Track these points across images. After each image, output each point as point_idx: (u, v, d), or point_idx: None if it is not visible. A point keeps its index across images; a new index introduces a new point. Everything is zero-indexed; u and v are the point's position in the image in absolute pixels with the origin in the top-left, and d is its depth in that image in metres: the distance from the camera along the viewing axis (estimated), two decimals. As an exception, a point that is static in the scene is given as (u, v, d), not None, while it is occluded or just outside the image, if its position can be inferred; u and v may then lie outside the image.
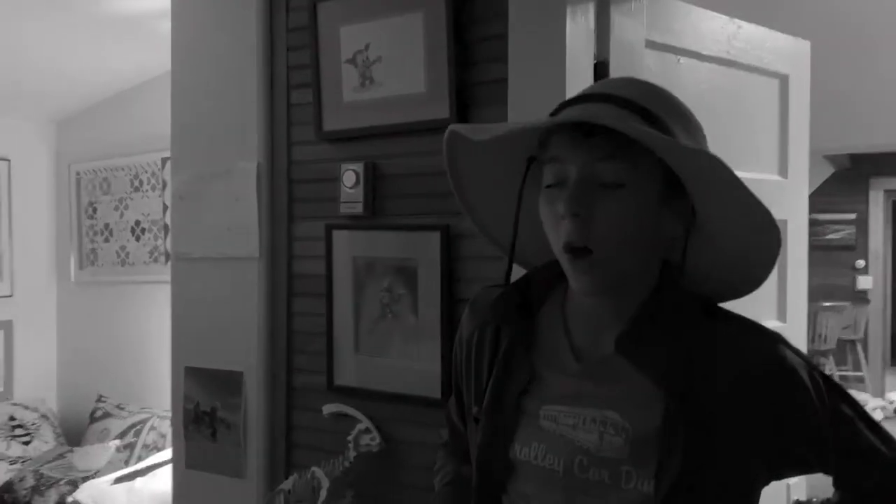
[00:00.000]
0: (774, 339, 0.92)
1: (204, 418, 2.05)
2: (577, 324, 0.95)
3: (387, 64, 1.79)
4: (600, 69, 1.65)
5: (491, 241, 1.10)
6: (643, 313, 0.91)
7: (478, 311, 1.06)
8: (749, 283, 0.96)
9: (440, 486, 1.16)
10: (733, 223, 0.88)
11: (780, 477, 0.97)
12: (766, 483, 0.95)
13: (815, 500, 1.89)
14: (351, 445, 1.82)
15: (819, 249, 6.29)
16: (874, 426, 0.94)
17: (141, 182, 4.14)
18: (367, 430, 1.83)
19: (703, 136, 0.95)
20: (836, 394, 0.93)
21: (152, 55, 3.46)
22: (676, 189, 0.88)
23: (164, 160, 3.92)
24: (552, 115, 0.93)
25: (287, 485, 1.84)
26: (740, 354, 0.89)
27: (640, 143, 0.84)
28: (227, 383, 2.03)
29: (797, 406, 0.90)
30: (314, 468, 1.82)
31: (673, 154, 0.85)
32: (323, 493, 1.78)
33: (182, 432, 2.10)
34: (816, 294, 6.68)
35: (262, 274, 2.01)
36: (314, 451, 1.91)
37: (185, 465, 2.11)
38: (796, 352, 0.93)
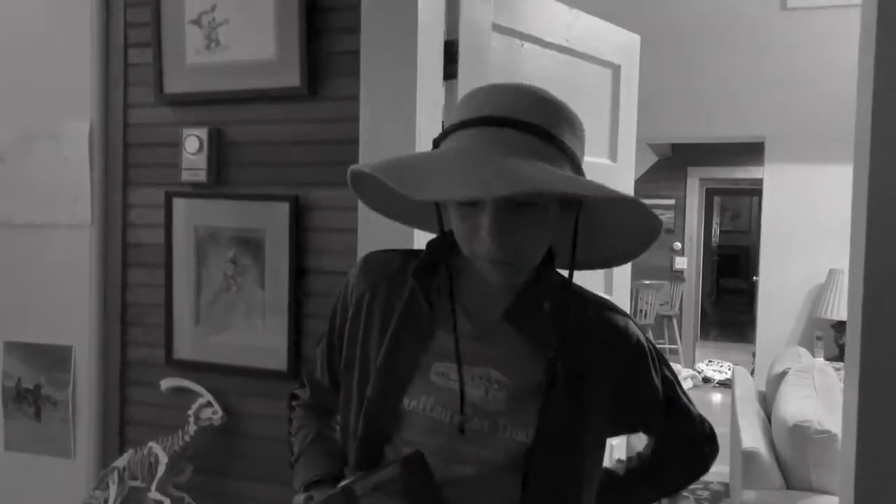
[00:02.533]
0: (626, 316, 1.07)
1: (27, 396, 1.92)
2: (470, 291, 1.02)
3: (234, 27, 1.74)
4: (450, 48, 1.70)
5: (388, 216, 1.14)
6: (528, 289, 1.01)
7: (369, 272, 1.09)
8: (630, 253, 1.07)
9: (304, 444, 1.17)
10: (621, 218, 1.00)
11: (623, 433, 1.11)
12: (612, 437, 1.13)
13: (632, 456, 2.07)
14: (191, 420, 1.77)
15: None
16: (681, 386, 1.15)
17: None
18: (208, 404, 1.79)
19: (583, 132, 1.02)
20: (662, 361, 1.11)
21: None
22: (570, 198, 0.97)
23: (-24, 118, 3.56)
24: (451, 130, 0.96)
25: (121, 461, 1.76)
26: (604, 328, 1.04)
27: None
28: (53, 358, 1.90)
29: (646, 373, 1.07)
30: (151, 443, 1.76)
31: (573, 189, 0.92)
32: (160, 469, 1.72)
33: (1, 412, 1.95)
34: (638, 272, 7.21)
35: (93, 242, 1.90)
36: (151, 427, 1.84)
37: (4, 447, 1.96)
38: (639, 327, 1.09)
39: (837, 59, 4.37)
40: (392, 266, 1.07)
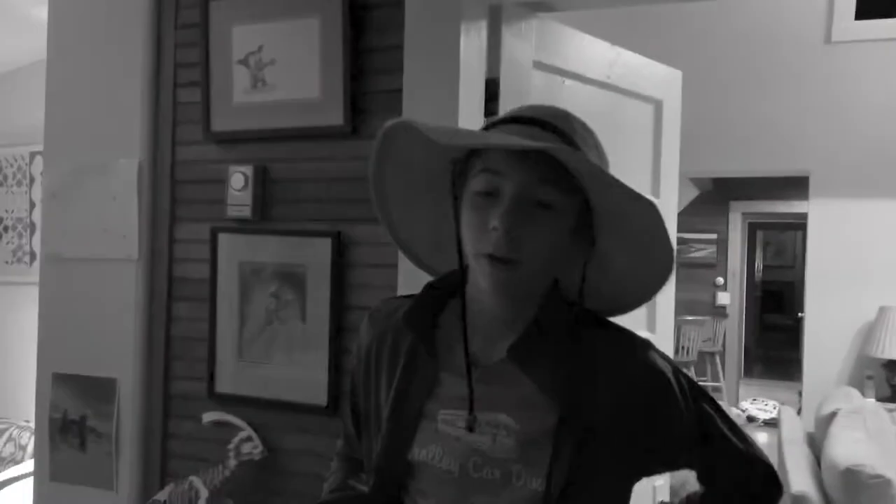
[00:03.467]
0: (645, 346, 0.99)
1: (72, 427, 1.95)
2: (473, 331, 0.98)
3: (280, 67, 1.78)
4: (491, 86, 1.71)
5: (396, 241, 1.11)
6: (534, 325, 0.96)
7: (377, 321, 1.08)
8: (636, 301, 1.04)
9: (326, 492, 1.17)
10: (636, 257, 0.96)
11: (649, 474, 1.04)
12: (637, 480, 1.02)
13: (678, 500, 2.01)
14: (231, 454, 1.78)
15: (683, 266, 6.72)
16: (729, 422, 1.03)
17: (5, 177, 3.86)
18: (248, 438, 1.80)
19: (606, 155, 1.01)
20: (699, 393, 1.02)
21: (23, 42, 3.26)
22: (584, 223, 0.95)
23: (32, 154, 3.69)
24: (487, 128, 0.98)
25: (162, 495, 1.77)
26: (617, 362, 0.96)
27: (569, 174, 0.89)
28: (99, 390, 1.93)
29: (668, 408, 0.97)
30: (192, 477, 1.77)
31: (607, 190, 0.90)
32: (200, 503, 1.73)
33: (47, 443, 1.98)
34: (680, 308, 7.07)
35: (139, 276, 1.94)
36: (192, 461, 1.86)
37: (50, 478, 1.99)
38: (664, 357, 1.00)
39: (884, 92, 4.30)
40: (398, 314, 1.04)
